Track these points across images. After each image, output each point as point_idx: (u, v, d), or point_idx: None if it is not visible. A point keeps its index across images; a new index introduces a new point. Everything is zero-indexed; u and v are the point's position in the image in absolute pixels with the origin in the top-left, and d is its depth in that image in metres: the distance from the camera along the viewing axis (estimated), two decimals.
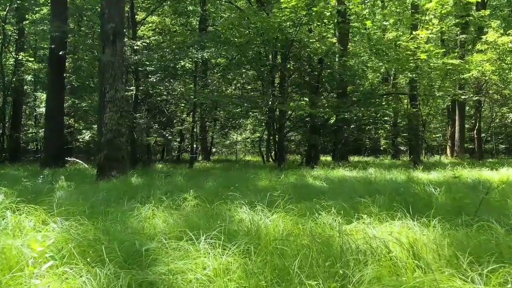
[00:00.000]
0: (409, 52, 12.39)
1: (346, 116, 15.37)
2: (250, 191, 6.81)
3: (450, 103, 24.04)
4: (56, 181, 7.70)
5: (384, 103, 15.57)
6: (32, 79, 23.55)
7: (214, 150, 28.92)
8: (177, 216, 4.08)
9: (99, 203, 5.00)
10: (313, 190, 6.78)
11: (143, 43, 14.60)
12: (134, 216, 4.09)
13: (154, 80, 14.58)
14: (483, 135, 26.10)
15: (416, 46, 12.09)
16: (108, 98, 8.58)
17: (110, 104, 8.58)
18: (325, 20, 14.61)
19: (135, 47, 14.52)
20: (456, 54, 12.67)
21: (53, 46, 14.74)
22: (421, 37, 11.94)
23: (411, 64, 12.52)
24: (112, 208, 4.61)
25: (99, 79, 9.03)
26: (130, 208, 4.54)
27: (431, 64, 12.46)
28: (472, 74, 14.00)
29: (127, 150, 8.84)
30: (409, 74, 12.53)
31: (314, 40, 15.62)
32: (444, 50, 13.62)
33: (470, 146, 25.57)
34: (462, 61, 12.45)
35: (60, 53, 14.35)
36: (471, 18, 13.81)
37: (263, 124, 21.25)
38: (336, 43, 15.29)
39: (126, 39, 16.39)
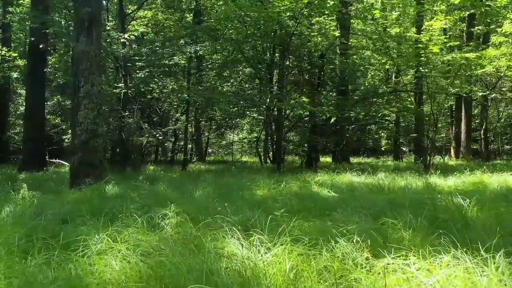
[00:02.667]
0: (420, 45, 11.33)
1: (351, 114, 14.28)
2: (246, 203, 5.71)
3: (453, 102, 23.00)
4: (18, 190, 6.55)
5: (390, 101, 14.48)
6: (21, 77, 22.31)
7: (210, 150, 27.85)
8: (143, 249, 2.96)
9: (48, 225, 3.89)
10: (321, 202, 5.68)
11: (131, 36, 13.45)
12: (80, 253, 2.96)
13: (142, 76, 13.42)
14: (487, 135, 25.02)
15: (428, 38, 11.03)
16: (82, 93, 7.45)
17: (85, 100, 7.45)
18: (327, 12, 13.51)
19: (121, 40, 13.38)
20: (470, 47, 11.63)
21: (32, 39, 13.59)
22: (434, 28, 10.87)
23: (422, 59, 11.46)
24: (61, 235, 3.49)
25: (73, 71, 7.92)
26: (84, 233, 3.42)
27: (445, 58, 11.41)
28: (486, 70, 12.98)
29: (105, 153, 7.71)
30: (421, 69, 11.46)
31: (316, 33, 14.52)
32: (458, 43, 12.56)
33: (474, 147, 24.54)
34: (479, 54, 11.41)
35: (40, 46, 13.19)
36: (487, 8, 12.79)
37: (261, 123, 20.16)
38: (339, 37, 14.18)
39: (114, 33, 15.29)
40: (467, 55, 11.00)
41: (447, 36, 17.01)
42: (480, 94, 11.93)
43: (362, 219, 4.49)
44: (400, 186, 7.86)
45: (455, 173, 9.73)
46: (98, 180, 7.10)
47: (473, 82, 15.33)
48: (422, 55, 11.44)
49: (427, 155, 12.74)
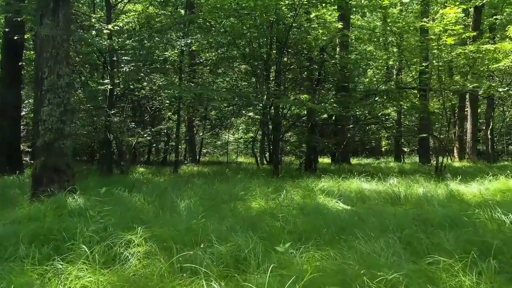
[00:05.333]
0: (433, 37, 10.24)
1: (356, 112, 13.18)
2: (238, 220, 4.58)
3: (456, 101, 21.95)
4: None
5: (396, 98, 13.38)
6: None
7: (205, 151, 26.75)
8: None
9: None
10: (332, 219, 4.57)
11: (115, 27, 12.27)
12: None
13: (127, 70, 12.22)
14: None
15: (441, 28, 9.95)
16: (46, 86, 6.30)
17: (50, 94, 6.31)
18: (328, 0, 12.42)
19: (105, 31, 12.21)
20: (487, 39, 10.56)
21: (7, 30, 12.38)
22: (449, 17, 9.80)
23: (435, 51, 10.37)
24: None
25: (36, 60, 6.77)
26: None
27: (459, 51, 10.32)
28: (501, 64, 11.92)
29: (72, 156, 6.55)
30: (434, 62, 10.34)
31: (316, 25, 13.42)
32: (475, 33, 11.49)
33: (477, 147, 23.47)
34: (498, 46, 10.33)
35: (15, 37, 12.00)
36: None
37: (257, 123, 19.05)
38: (342, 29, 13.06)
39: (97, 25, 14.11)
40: (484, 47, 9.91)
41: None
42: (501, 90, 10.87)
43: (391, 248, 3.39)
44: (419, 195, 6.77)
45: (477, 179, 8.63)
46: (63, 189, 5.96)
47: (483, 78, 14.22)
48: (435, 47, 10.35)
49: (438, 157, 11.65)
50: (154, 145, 18.23)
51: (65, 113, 6.42)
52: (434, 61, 10.40)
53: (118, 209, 4.83)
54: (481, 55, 10.68)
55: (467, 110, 21.68)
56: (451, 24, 9.96)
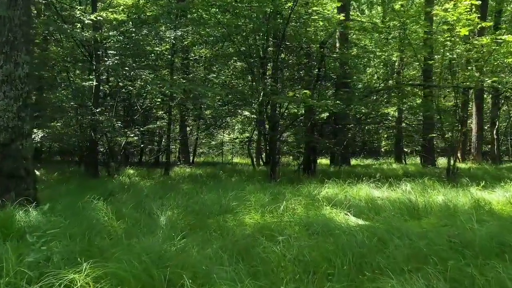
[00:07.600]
0: (444, 27, 9.32)
1: (362, 110, 12.24)
2: (227, 244, 3.60)
3: (459, 100, 20.99)
4: None
5: (404, 96, 12.45)
6: None
7: (200, 151, 25.78)
8: None
9: None
10: (346, 242, 3.59)
11: (98, 17, 11.24)
12: None
13: (111, 64, 11.20)
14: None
15: (455, 17, 9.03)
16: (1, 75, 5.32)
17: (6, 86, 5.31)
18: None
19: (86, 21, 11.20)
20: (504, 30, 9.63)
21: None
22: (464, 5, 8.88)
23: (448, 43, 9.45)
24: None
25: None
26: None
27: (475, 42, 9.40)
28: None
29: (33, 159, 5.54)
30: (448, 55, 9.41)
31: (316, 17, 12.46)
32: (491, 24, 10.57)
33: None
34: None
35: None
36: None
37: (253, 123, 18.06)
38: (343, 20, 12.11)
39: (81, 17, 13.08)
40: (505, 37, 8.97)
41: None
42: None
43: None
44: (439, 205, 5.83)
45: (501, 184, 7.67)
46: (25, 196, 4.96)
47: (496, 73, 13.33)
48: (448, 38, 9.41)
49: (450, 159, 10.74)
50: (142, 145, 17.17)
51: (24, 108, 5.42)
52: (448, 53, 9.44)
53: (76, 227, 3.83)
54: (497, 47, 9.74)
55: (470, 109, 20.78)
56: (465, 13, 9.03)
